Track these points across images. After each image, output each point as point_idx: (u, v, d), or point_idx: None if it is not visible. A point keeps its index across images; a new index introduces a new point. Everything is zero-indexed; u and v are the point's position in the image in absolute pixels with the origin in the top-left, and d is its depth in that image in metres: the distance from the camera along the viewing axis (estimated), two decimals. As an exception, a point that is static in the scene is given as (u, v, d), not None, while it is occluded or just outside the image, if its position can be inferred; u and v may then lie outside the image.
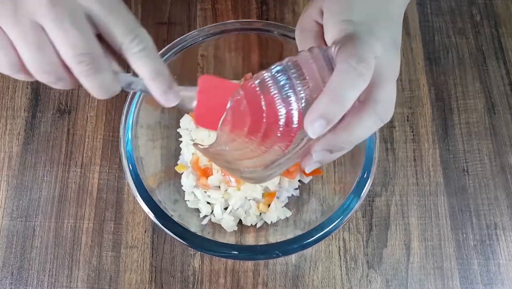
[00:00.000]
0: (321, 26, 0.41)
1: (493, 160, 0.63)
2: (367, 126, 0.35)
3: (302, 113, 0.34)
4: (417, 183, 0.61)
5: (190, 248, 0.57)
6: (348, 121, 0.35)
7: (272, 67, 0.36)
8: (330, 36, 0.38)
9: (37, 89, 0.65)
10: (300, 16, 0.44)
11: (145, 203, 0.49)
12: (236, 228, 0.56)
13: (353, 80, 0.32)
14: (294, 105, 0.34)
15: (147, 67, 0.35)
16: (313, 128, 0.33)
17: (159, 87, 0.36)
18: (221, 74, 0.64)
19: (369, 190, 0.49)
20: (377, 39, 0.36)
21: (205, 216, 0.57)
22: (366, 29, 0.36)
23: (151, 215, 0.48)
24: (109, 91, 0.36)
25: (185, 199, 0.57)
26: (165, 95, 0.37)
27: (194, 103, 0.39)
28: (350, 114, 0.34)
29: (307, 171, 0.38)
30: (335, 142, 0.35)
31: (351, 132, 0.35)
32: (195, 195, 0.57)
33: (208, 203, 0.57)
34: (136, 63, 0.35)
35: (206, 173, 0.55)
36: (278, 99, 0.35)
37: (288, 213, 0.57)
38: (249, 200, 0.56)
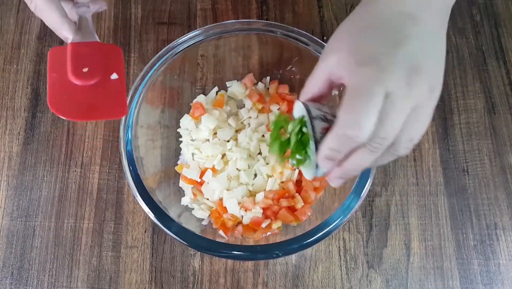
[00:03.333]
0: (332, 82, 0.41)
1: (493, 160, 0.63)
2: (365, 158, 0.37)
3: None
4: (417, 183, 0.61)
5: (190, 248, 0.57)
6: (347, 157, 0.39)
7: None
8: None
9: (37, 89, 0.65)
10: (314, 67, 0.42)
11: (145, 203, 0.49)
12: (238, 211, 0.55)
13: (345, 144, 0.37)
14: None
15: (45, 22, 0.45)
16: (323, 164, 0.40)
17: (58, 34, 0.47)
18: (221, 74, 0.64)
19: (369, 190, 0.50)
20: (382, 82, 0.35)
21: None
22: (370, 75, 0.36)
23: (151, 215, 0.48)
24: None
25: (182, 203, 0.57)
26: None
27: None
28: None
29: (334, 185, 0.42)
30: (341, 171, 0.40)
31: (351, 163, 0.39)
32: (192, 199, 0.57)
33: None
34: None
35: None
36: None
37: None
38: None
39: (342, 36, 0.40)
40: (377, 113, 0.35)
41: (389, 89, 0.35)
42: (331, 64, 0.39)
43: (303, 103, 0.41)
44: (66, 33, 0.46)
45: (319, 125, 0.39)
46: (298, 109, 0.42)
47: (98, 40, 0.47)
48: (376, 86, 0.35)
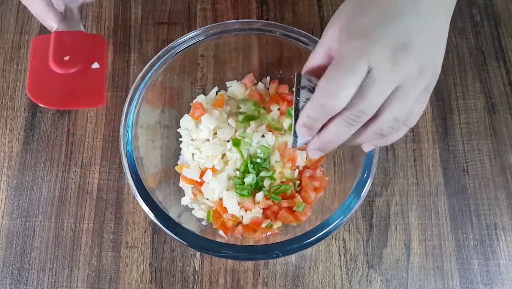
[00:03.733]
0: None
1: (493, 160, 0.63)
2: (340, 129, 0.38)
3: None
4: (417, 183, 0.61)
5: (190, 248, 0.57)
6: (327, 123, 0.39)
7: None
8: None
9: (37, 89, 0.65)
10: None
11: (145, 203, 0.49)
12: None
13: (321, 111, 0.37)
14: None
15: (31, 11, 0.47)
16: (301, 132, 0.40)
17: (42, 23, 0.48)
18: (221, 74, 0.64)
19: (369, 190, 0.50)
20: (366, 56, 0.35)
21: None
22: (356, 47, 0.35)
23: (151, 215, 0.48)
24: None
25: (182, 203, 0.57)
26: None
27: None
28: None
29: (311, 157, 0.43)
30: (319, 142, 0.40)
31: (327, 134, 0.39)
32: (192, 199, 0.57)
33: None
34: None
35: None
36: None
37: None
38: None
39: (340, 12, 0.40)
40: (355, 85, 0.35)
41: (371, 63, 0.35)
42: (329, 39, 0.39)
43: (296, 73, 0.41)
44: (51, 22, 0.46)
45: (305, 95, 0.39)
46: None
47: (83, 30, 0.48)
48: (359, 58, 0.35)
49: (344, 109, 0.37)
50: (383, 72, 0.35)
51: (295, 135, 0.41)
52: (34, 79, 0.44)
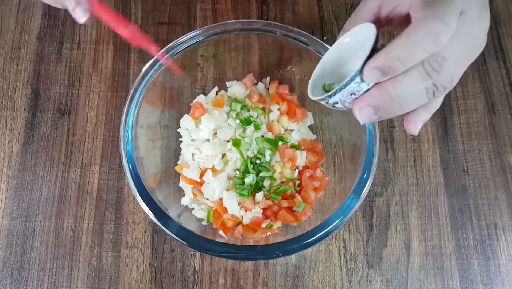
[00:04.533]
0: (378, 18, 0.40)
1: (493, 160, 0.63)
2: (414, 80, 0.33)
3: None
4: (417, 183, 0.61)
5: (190, 248, 0.57)
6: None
7: None
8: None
9: (37, 89, 0.65)
10: (357, 7, 0.41)
11: (145, 203, 0.49)
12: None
13: (424, 41, 0.32)
14: None
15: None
16: (369, 74, 0.34)
17: (72, 2, 0.41)
18: (221, 74, 0.64)
19: (369, 190, 0.49)
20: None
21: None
22: None
23: (151, 215, 0.48)
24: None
25: (182, 203, 0.57)
26: (75, 8, 0.42)
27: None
28: None
29: (359, 117, 0.36)
30: (379, 97, 0.34)
31: (396, 85, 0.33)
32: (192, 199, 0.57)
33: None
34: None
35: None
36: None
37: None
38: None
39: None
40: (455, 23, 0.32)
41: (464, 8, 0.34)
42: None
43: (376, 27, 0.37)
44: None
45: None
46: (361, 31, 0.39)
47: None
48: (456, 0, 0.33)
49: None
50: (472, 18, 0.34)
51: (349, 80, 0.35)
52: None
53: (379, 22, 0.39)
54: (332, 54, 0.42)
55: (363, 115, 0.35)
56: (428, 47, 0.32)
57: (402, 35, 0.33)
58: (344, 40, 0.40)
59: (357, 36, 0.39)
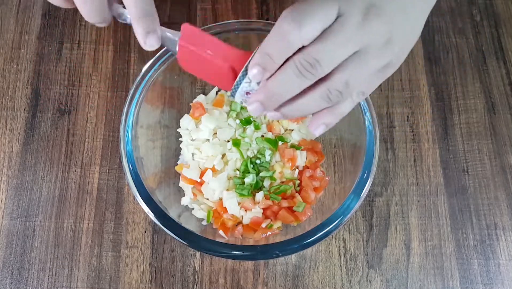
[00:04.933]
0: None
1: (493, 160, 0.63)
2: (288, 76, 0.35)
3: None
4: (417, 183, 0.61)
5: (190, 248, 0.57)
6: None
7: None
8: None
9: (37, 89, 0.65)
10: None
11: (145, 203, 0.49)
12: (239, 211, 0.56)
13: (277, 38, 0.34)
14: None
15: (134, 6, 0.37)
16: (252, 72, 0.36)
17: (142, 28, 0.38)
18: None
19: (369, 190, 0.50)
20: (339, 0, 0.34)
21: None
22: None
23: (151, 215, 0.48)
24: (100, 16, 0.37)
25: (182, 203, 0.57)
26: (146, 37, 0.38)
27: (177, 48, 0.40)
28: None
29: (251, 112, 0.38)
30: (262, 92, 0.36)
31: (274, 81, 0.35)
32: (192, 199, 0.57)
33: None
34: (125, 1, 0.37)
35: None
36: None
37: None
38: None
39: None
40: (322, 23, 0.33)
41: (342, 9, 0.34)
42: None
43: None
44: (158, 24, 0.40)
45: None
46: None
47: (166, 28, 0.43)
48: (332, 1, 0.33)
49: (298, 53, 0.34)
50: (351, 23, 0.34)
51: (239, 81, 0.37)
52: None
53: None
54: None
55: (254, 111, 0.37)
56: (282, 45, 0.34)
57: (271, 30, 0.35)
58: None
59: None
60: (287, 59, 0.35)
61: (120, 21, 0.40)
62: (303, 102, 0.36)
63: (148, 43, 0.38)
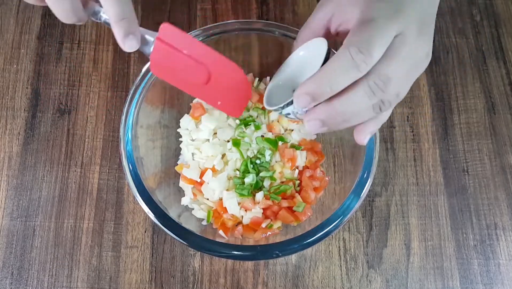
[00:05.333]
0: (328, 31, 0.42)
1: (493, 160, 0.63)
2: (359, 98, 0.35)
3: None
4: (417, 183, 0.61)
5: (190, 248, 0.57)
6: (342, 91, 0.36)
7: None
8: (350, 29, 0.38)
9: (37, 89, 0.65)
10: (309, 18, 0.44)
11: (145, 203, 0.49)
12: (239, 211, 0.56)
13: (346, 69, 0.34)
14: None
15: (112, 9, 0.36)
16: (299, 101, 0.37)
17: (121, 31, 0.37)
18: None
19: (369, 190, 0.50)
20: (397, 21, 0.35)
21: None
22: (386, 12, 0.35)
23: (151, 215, 0.48)
24: (75, 16, 0.37)
25: (182, 203, 0.57)
26: (124, 40, 0.38)
27: (152, 48, 0.40)
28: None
29: (309, 128, 0.39)
30: (327, 112, 0.37)
31: (343, 102, 0.36)
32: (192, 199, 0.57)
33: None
34: (103, 3, 0.36)
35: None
36: None
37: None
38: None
39: None
40: (385, 45, 0.34)
41: (401, 28, 0.35)
42: (333, 7, 0.39)
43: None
44: (137, 27, 0.38)
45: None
46: (315, 45, 0.41)
47: (155, 32, 0.41)
48: (391, 22, 0.35)
49: (367, 75, 0.35)
50: (411, 40, 0.35)
51: (287, 104, 0.38)
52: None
53: (328, 34, 0.42)
54: (288, 66, 0.45)
55: (311, 127, 0.38)
56: (351, 74, 0.35)
57: (330, 60, 0.35)
58: (299, 53, 0.44)
59: (312, 49, 0.42)
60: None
61: (94, 20, 0.39)
62: (353, 114, 0.37)
63: (127, 44, 0.38)
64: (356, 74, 0.34)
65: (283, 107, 0.40)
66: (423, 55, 0.37)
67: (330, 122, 0.37)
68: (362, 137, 0.41)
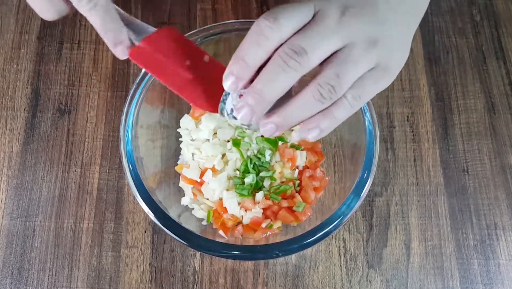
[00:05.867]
0: None
1: (493, 160, 0.63)
2: (272, 68, 0.34)
3: None
4: (417, 183, 0.61)
5: (190, 248, 0.57)
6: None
7: None
8: None
9: (37, 89, 0.65)
10: None
11: (145, 203, 0.49)
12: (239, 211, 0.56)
13: (255, 39, 0.34)
14: None
15: (96, 25, 0.37)
16: (226, 84, 0.36)
17: (109, 42, 0.38)
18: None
19: (369, 190, 0.50)
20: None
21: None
22: None
23: (151, 215, 0.48)
24: (51, 6, 0.38)
25: (182, 203, 0.57)
26: (114, 49, 0.39)
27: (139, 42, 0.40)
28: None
29: (241, 117, 0.37)
30: (251, 94, 0.35)
31: (259, 81, 0.34)
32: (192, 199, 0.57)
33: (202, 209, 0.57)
34: (89, 19, 0.37)
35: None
36: None
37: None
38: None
39: None
40: (298, 21, 0.34)
41: (318, 8, 0.34)
42: None
43: None
44: (125, 36, 0.39)
45: None
46: None
47: (153, 28, 0.41)
48: (308, 1, 0.34)
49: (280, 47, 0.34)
50: (331, 18, 0.34)
51: (224, 98, 0.37)
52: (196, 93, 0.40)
53: None
54: None
55: (244, 117, 0.36)
56: (260, 42, 0.34)
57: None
58: None
59: None
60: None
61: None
62: (296, 104, 0.35)
63: (117, 54, 0.39)
64: (264, 41, 0.33)
65: (223, 101, 0.38)
66: (360, 39, 0.35)
67: (257, 107, 0.35)
68: (305, 130, 0.37)
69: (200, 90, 0.40)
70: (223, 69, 0.36)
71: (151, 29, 0.41)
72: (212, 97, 0.39)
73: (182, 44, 0.41)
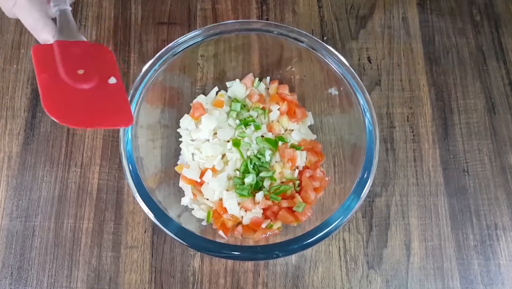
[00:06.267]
0: None
1: (493, 160, 0.63)
2: None
3: None
4: (417, 183, 0.61)
5: (190, 248, 0.57)
6: None
7: None
8: None
9: (37, 89, 0.65)
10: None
11: (145, 203, 0.49)
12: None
13: None
14: None
15: (24, 23, 0.43)
16: None
17: (36, 37, 0.44)
18: (221, 74, 0.64)
19: (369, 190, 0.49)
20: None
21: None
22: None
23: (151, 215, 0.48)
24: (41, 18, 0.44)
25: (182, 203, 0.57)
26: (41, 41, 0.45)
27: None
28: None
29: None
30: None
31: None
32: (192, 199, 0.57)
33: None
34: (20, 18, 0.44)
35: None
36: None
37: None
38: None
39: None
40: None
41: None
42: None
43: None
44: (47, 35, 0.43)
45: None
46: None
47: (85, 40, 0.45)
48: None
49: None
50: None
51: None
52: (49, 95, 0.39)
53: None
54: None
55: None
56: None
57: None
58: None
59: None
60: None
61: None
62: None
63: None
64: None
65: None
66: None
67: None
68: None
69: (62, 97, 0.41)
70: (116, 95, 0.40)
71: (82, 38, 0.45)
72: (67, 108, 0.40)
73: (91, 57, 0.44)
